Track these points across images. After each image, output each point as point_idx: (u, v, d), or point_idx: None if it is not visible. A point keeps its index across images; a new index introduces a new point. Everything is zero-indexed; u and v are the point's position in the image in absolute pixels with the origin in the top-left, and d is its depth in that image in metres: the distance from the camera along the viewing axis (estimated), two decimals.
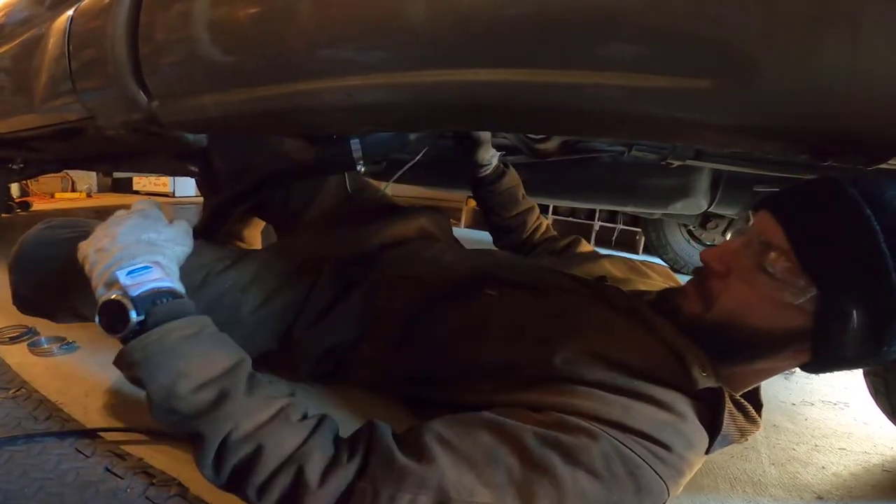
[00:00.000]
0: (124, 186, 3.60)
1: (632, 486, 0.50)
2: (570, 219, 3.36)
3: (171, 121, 0.96)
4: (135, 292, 0.53)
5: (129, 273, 0.54)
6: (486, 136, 1.00)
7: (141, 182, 3.61)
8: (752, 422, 0.61)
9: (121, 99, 0.97)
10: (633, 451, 0.51)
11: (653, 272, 0.89)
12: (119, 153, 1.50)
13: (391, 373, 0.85)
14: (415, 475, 0.48)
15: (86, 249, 0.60)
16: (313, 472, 0.48)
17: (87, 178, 3.39)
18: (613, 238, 3.29)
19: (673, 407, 0.56)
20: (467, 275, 0.83)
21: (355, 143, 0.72)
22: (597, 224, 3.30)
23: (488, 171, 1.10)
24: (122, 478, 0.66)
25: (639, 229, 3.09)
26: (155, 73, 0.90)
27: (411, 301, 0.83)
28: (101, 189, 3.55)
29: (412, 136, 0.81)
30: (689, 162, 1.17)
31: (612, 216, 3.26)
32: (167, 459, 0.70)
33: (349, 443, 0.54)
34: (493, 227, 1.18)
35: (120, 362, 0.51)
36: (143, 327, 0.52)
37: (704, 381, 0.57)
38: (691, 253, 2.34)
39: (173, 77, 0.90)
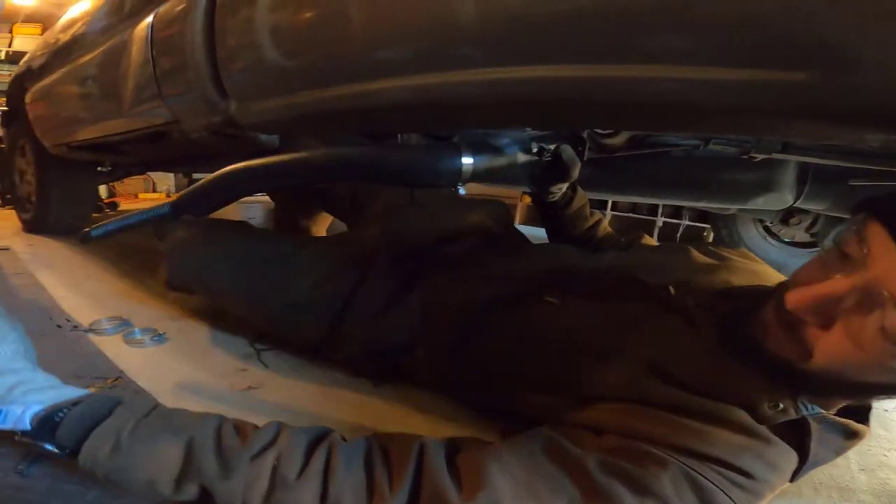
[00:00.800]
0: None
1: None
2: (632, 215, 3.21)
3: (247, 122, 1.00)
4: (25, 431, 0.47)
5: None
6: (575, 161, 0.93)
7: None
8: (852, 436, 0.54)
9: (202, 103, 1.03)
10: (707, 478, 0.48)
11: (733, 259, 0.81)
12: (200, 155, 1.57)
13: (447, 377, 0.84)
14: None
15: None
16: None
17: (166, 180, 3.64)
18: (678, 235, 3.11)
19: (752, 430, 0.51)
20: (527, 280, 0.80)
21: (467, 159, 0.67)
22: (660, 220, 3.13)
23: (558, 196, 1.03)
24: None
25: (707, 225, 2.90)
26: (231, 77, 0.94)
27: (468, 305, 0.82)
28: (179, 189, 3.78)
29: (519, 161, 0.76)
30: (774, 155, 1.07)
31: (676, 211, 3.08)
32: None
33: (395, 468, 0.49)
34: (555, 237, 1.13)
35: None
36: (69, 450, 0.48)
37: (779, 416, 0.51)
38: (768, 251, 2.16)
39: (248, 80, 0.94)
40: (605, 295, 0.72)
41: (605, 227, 1.12)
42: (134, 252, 1.86)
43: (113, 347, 1.04)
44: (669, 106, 0.41)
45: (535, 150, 0.78)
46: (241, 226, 1.20)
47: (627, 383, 0.57)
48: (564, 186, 0.99)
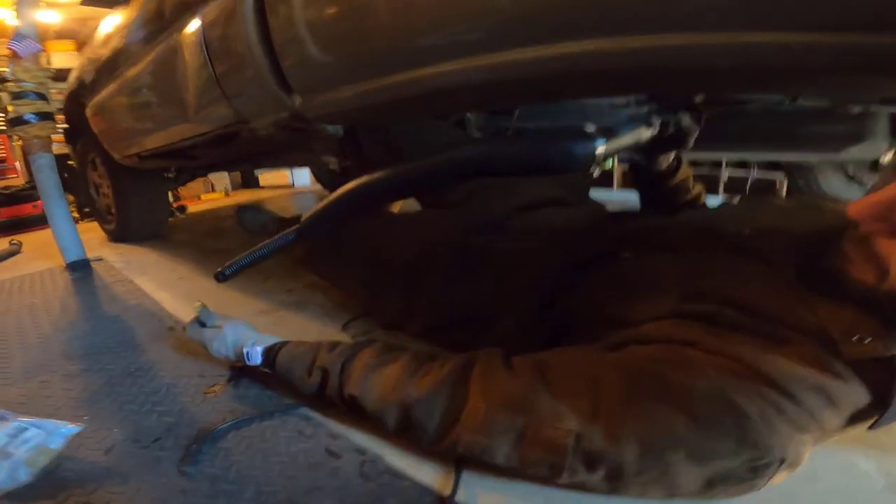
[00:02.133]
0: (252, 182, 3.93)
1: (734, 436, 0.46)
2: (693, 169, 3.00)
3: (314, 115, 0.98)
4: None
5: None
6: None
7: (265, 178, 3.92)
8: None
9: (266, 100, 1.01)
10: (747, 397, 0.47)
11: (814, 201, 0.81)
12: (265, 151, 1.57)
13: (534, 343, 0.82)
14: (513, 397, 0.54)
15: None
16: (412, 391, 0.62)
17: (222, 179, 3.74)
18: (748, 187, 2.88)
19: (819, 361, 0.48)
20: (602, 242, 0.82)
21: (600, 144, 0.66)
22: (725, 173, 2.90)
23: (664, 167, 1.01)
24: (339, 456, 0.68)
25: (779, 174, 2.67)
26: (292, 71, 0.91)
27: (547, 272, 0.82)
28: (234, 187, 3.90)
29: (643, 137, 0.74)
30: (872, 108, 0.96)
31: (743, 163, 2.84)
32: (366, 433, 0.72)
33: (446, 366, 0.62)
34: (653, 209, 1.08)
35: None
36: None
37: (864, 351, 0.47)
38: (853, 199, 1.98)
39: (309, 73, 0.90)
40: (677, 247, 0.71)
41: (704, 199, 1.08)
42: (212, 252, 1.92)
43: None
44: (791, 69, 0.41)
45: (655, 123, 0.73)
46: None
47: (704, 310, 0.56)
48: (672, 156, 0.95)
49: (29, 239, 2.60)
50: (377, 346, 0.73)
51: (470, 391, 0.58)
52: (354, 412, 0.70)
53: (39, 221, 2.92)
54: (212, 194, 3.63)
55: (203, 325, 0.91)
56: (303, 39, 0.85)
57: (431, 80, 0.68)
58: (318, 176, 3.46)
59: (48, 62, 3.91)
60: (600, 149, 0.65)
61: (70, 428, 0.66)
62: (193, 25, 1.12)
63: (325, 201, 0.88)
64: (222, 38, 1.03)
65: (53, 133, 1.77)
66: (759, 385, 0.47)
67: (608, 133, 0.66)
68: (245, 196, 3.62)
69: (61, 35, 4.04)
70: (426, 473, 0.63)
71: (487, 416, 0.54)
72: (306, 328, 1.15)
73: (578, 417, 0.49)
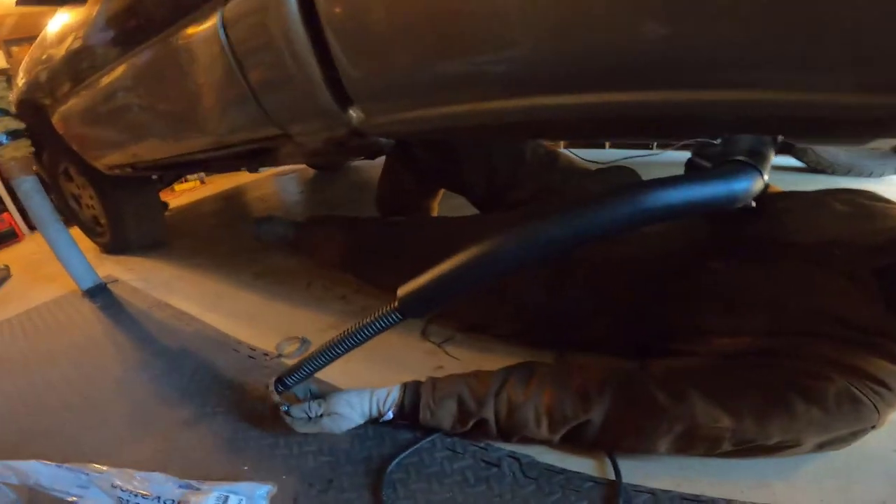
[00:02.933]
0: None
1: (853, 417, 0.62)
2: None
3: (376, 132, 0.91)
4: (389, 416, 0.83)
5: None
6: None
7: None
8: None
9: (318, 115, 0.91)
10: (861, 390, 0.62)
11: (869, 205, 0.80)
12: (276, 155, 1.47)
13: (624, 349, 0.91)
14: (668, 410, 0.66)
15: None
16: (574, 415, 0.72)
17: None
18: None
19: None
20: (687, 249, 0.86)
21: (763, 174, 0.59)
22: None
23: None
24: (497, 465, 0.78)
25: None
26: (359, 85, 0.80)
27: (634, 282, 0.88)
28: (210, 177, 3.68)
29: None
30: None
31: None
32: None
33: (595, 382, 0.73)
34: None
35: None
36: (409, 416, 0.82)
37: None
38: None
39: (385, 90, 0.80)
40: (761, 258, 0.78)
41: None
42: (230, 255, 1.88)
43: None
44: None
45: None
46: None
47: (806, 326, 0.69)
48: None
49: (7, 258, 2.41)
50: (514, 378, 0.77)
51: (622, 408, 0.71)
52: (510, 439, 0.79)
53: (8, 237, 2.69)
54: (185, 184, 3.43)
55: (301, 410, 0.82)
56: (378, 48, 0.73)
57: (532, 111, 0.67)
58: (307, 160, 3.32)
59: None
60: (765, 176, 0.58)
61: (264, 487, 0.72)
62: (209, 23, 0.94)
63: (427, 278, 0.68)
64: (253, 38, 0.88)
65: (29, 151, 1.59)
66: (867, 381, 0.63)
67: (762, 161, 0.58)
68: (223, 182, 3.45)
69: None
70: (580, 465, 0.76)
71: (646, 427, 0.69)
72: (384, 340, 1.19)
73: (731, 417, 0.64)
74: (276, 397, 0.82)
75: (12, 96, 1.69)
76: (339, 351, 0.76)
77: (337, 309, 1.37)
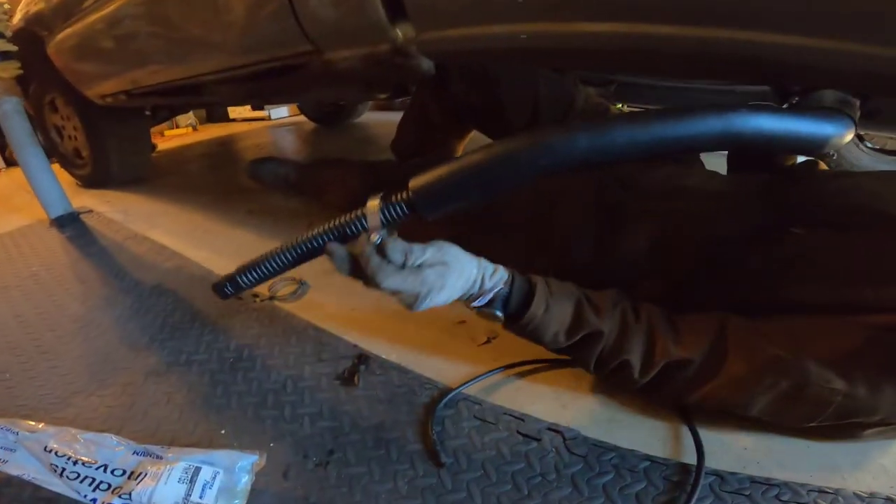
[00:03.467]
0: (222, 117, 3.48)
1: None
2: None
3: (423, 50, 0.81)
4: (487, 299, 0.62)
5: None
6: None
7: (237, 110, 3.46)
8: None
9: (362, 27, 0.82)
10: None
11: None
12: (309, 87, 1.30)
13: (682, 309, 0.77)
14: (781, 362, 0.56)
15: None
16: (676, 352, 0.60)
17: (187, 116, 3.27)
18: None
19: None
20: (760, 210, 0.75)
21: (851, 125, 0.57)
22: None
23: None
24: (538, 439, 0.63)
25: None
26: (424, 7, 0.72)
27: (703, 242, 0.75)
28: (201, 122, 3.44)
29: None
30: None
31: None
32: (542, 408, 0.69)
33: (703, 327, 0.62)
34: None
35: (516, 332, 0.64)
36: (512, 314, 0.63)
37: None
38: (860, 157, 2.00)
39: (445, 11, 0.71)
40: (849, 225, 0.68)
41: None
42: (219, 193, 1.67)
43: (309, 312, 0.93)
44: None
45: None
46: None
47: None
48: None
49: None
50: (626, 302, 0.66)
51: (728, 354, 0.59)
52: (602, 368, 0.64)
53: None
54: (176, 130, 3.18)
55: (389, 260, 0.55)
56: None
57: (588, 38, 0.59)
58: (303, 108, 3.08)
59: None
60: (850, 133, 0.56)
61: (247, 457, 0.53)
62: None
63: (449, 166, 0.57)
64: None
65: (17, 73, 1.47)
66: None
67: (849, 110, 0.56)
68: (216, 131, 3.20)
69: None
70: (632, 441, 0.62)
71: (751, 377, 0.58)
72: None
73: (844, 381, 0.54)
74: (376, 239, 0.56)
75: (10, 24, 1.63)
76: (295, 255, 0.61)
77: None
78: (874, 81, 0.48)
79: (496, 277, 0.60)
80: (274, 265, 0.61)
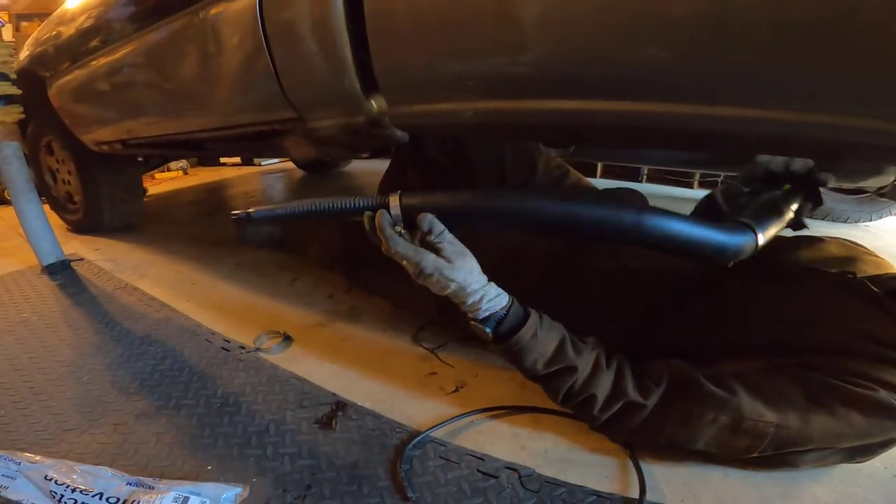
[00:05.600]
0: (212, 161, 3.64)
1: (890, 426, 0.64)
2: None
3: (396, 123, 0.91)
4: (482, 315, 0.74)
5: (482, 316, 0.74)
6: None
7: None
8: None
9: (341, 99, 0.91)
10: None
11: (859, 250, 0.90)
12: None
13: (634, 354, 0.88)
14: (718, 399, 0.66)
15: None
16: (634, 395, 0.71)
17: (178, 161, 3.43)
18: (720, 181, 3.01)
19: None
20: (701, 268, 0.88)
21: (760, 236, 0.71)
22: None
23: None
24: (496, 476, 0.73)
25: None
26: (389, 71, 0.82)
27: (648, 293, 0.90)
28: (192, 166, 3.59)
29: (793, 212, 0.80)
30: None
31: None
32: (503, 448, 0.79)
33: (655, 374, 0.74)
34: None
35: (502, 351, 0.75)
36: (502, 334, 0.74)
37: None
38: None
39: (416, 80, 0.81)
40: (783, 278, 0.81)
41: None
42: (207, 244, 1.78)
43: (292, 363, 1.03)
44: None
45: (787, 187, 0.78)
46: None
47: (836, 345, 0.70)
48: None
49: None
50: (601, 347, 0.78)
51: (673, 396, 0.71)
52: (569, 400, 0.75)
53: None
54: (168, 174, 3.32)
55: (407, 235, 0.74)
56: (414, 32, 0.74)
57: (563, 115, 0.67)
58: (292, 156, 3.27)
59: None
60: (760, 241, 0.68)
61: (232, 489, 0.63)
62: (245, 3, 0.96)
63: (444, 195, 0.74)
64: (293, 20, 0.89)
65: (19, 118, 1.56)
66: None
67: (764, 221, 0.70)
68: (207, 175, 3.35)
69: None
70: (581, 478, 0.73)
71: (695, 413, 0.68)
72: (373, 342, 1.12)
73: (775, 413, 0.65)
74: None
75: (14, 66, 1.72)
76: (318, 209, 0.80)
77: (324, 308, 1.29)
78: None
79: (495, 301, 0.73)
80: (290, 211, 0.79)
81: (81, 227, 2.08)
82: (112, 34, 1.38)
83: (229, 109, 1.18)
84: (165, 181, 3.25)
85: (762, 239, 0.68)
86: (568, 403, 0.75)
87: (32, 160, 2.16)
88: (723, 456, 0.72)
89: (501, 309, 0.73)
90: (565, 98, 0.65)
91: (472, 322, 0.74)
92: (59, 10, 1.68)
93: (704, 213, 0.96)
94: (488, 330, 0.73)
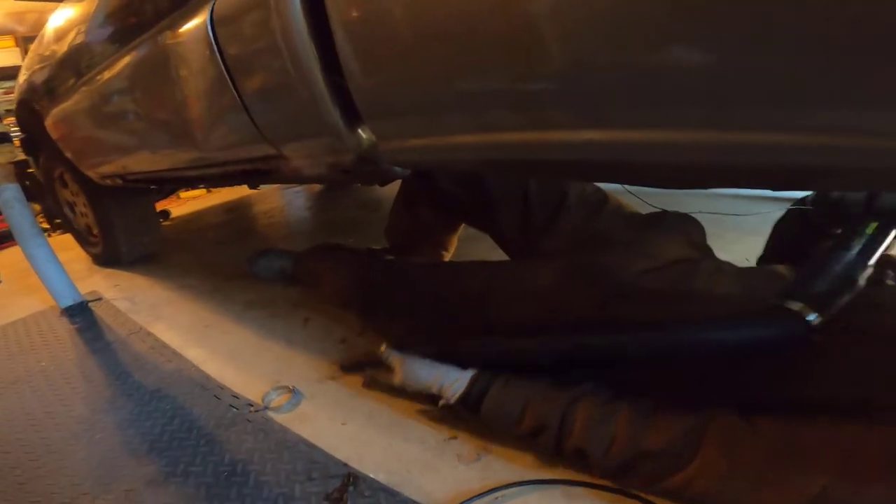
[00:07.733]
0: None
1: None
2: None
3: (389, 159, 0.81)
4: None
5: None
6: None
7: None
8: None
9: (322, 135, 0.80)
10: None
11: None
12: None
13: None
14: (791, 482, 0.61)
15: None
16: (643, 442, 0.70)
17: None
18: None
19: None
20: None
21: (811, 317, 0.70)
22: None
23: None
24: None
25: None
26: (371, 100, 0.70)
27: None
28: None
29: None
30: None
31: None
32: None
33: (678, 421, 0.70)
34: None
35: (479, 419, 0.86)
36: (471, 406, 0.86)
37: None
38: None
39: (404, 109, 0.69)
40: (867, 329, 0.72)
41: None
42: (223, 277, 1.81)
43: (302, 425, 1.02)
44: None
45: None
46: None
47: None
48: None
49: (2, 261, 2.40)
50: (593, 398, 0.77)
51: (704, 444, 0.67)
52: (570, 459, 0.78)
53: (6, 237, 2.69)
54: (192, 192, 3.41)
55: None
56: (397, 50, 0.61)
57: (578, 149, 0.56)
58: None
59: None
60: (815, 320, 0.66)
61: None
62: (196, 21, 0.86)
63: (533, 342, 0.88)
64: (247, 39, 0.79)
65: (13, 158, 1.59)
66: None
67: (823, 304, 0.67)
68: (229, 193, 3.43)
69: None
70: None
71: (731, 467, 0.64)
72: (386, 398, 1.09)
73: (824, 474, 0.60)
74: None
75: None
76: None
77: (336, 356, 1.27)
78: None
79: (456, 385, 0.86)
80: None
81: (102, 260, 2.15)
82: (84, 64, 1.35)
83: (208, 146, 1.10)
84: (189, 200, 3.35)
85: (818, 319, 0.64)
86: (560, 456, 0.79)
87: (50, 193, 2.25)
88: None
89: (466, 387, 0.85)
90: (615, 128, 0.52)
91: (443, 406, 0.88)
92: (38, 34, 1.65)
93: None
94: (456, 406, 0.86)
